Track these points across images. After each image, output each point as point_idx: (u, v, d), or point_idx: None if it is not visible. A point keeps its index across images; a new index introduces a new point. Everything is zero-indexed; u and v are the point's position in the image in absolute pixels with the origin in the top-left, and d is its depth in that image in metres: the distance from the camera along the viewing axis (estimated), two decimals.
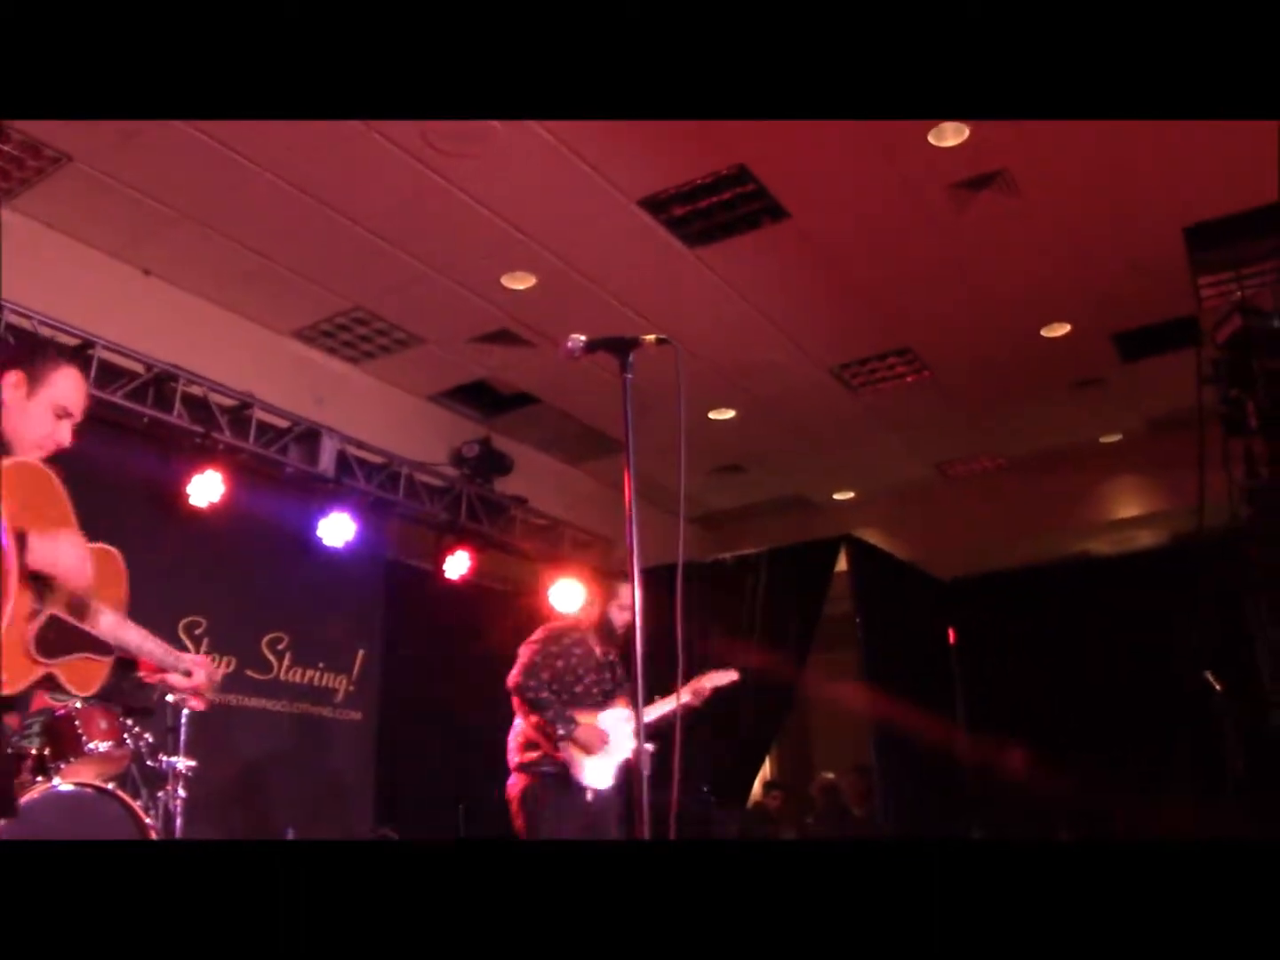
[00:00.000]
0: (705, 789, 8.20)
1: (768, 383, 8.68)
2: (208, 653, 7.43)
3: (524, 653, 5.56)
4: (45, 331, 6.45)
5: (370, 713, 8.43)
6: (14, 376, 2.75)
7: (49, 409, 2.81)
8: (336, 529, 7.87)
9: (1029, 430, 9.77)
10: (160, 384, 7.09)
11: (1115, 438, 10.16)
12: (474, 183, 6.28)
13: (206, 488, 7.14)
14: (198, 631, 7.36)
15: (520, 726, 5.55)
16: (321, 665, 8.18)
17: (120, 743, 5.34)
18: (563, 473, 10.15)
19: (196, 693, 3.42)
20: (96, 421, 6.70)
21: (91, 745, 5.19)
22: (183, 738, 5.87)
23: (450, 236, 6.78)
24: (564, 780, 5.37)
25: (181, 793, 5.72)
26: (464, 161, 6.06)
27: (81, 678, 2.78)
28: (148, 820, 4.98)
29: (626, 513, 2.54)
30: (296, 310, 7.69)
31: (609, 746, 5.49)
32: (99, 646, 2.86)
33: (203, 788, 5.93)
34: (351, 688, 8.37)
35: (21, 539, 2.52)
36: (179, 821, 5.68)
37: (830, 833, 10.32)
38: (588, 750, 5.41)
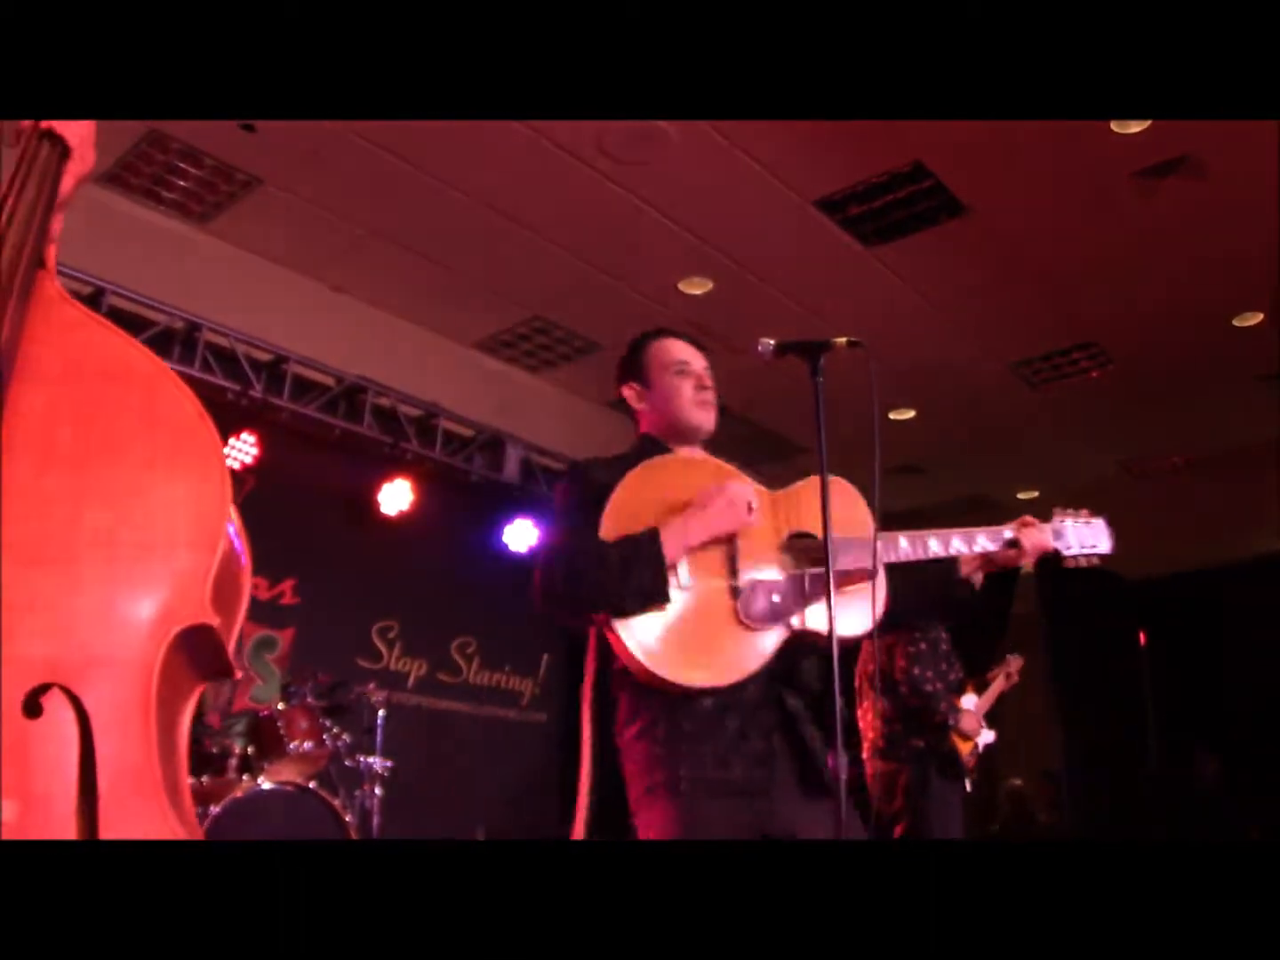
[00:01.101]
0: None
1: (947, 381, 8.55)
2: (401, 656, 7.65)
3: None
4: (241, 348, 6.72)
5: (555, 715, 8.57)
6: None
7: None
8: (521, 535, 8.03)
9: (1218, 425, 9.40)
10: (351, 396, 7.34)
11: None
12: (648, 188, 6.34)
13: (396, 496, 7.36)
14: (390, 635, 7.59)
15: (881, 711, 5.38)
16: (508, 668, 8.35)
17: (320, 743, 5.54)
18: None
19: (1057, 559, 3.10)
20: (291, 434, 7.00)
21: (293, 745, 5.40)
22: (379, 738, 6.06)
23: (626, 243, 6.85)
24: (947, 767, 5.31)
25: (378, 791, 5.90)
26: (638, 168, 6.12)
27: (848, 618, 2.63)
28: (347, 819, 5.16)
29: (823, 517, 2.53)
30: (478, 321, 7.85)
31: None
32: (848, 578, 2.71)
33: (398, 787, 6.10)
34: (537, 690, 8.53)
35: None
36: (376, 820, 5.86)
37: (1017, 841, 10.12)
38: (968, 737, 5.42)
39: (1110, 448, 10.03)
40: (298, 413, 7.01)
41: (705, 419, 2.93)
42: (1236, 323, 7.74)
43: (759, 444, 9.42)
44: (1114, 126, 5.67)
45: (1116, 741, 9.79)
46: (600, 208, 6.47)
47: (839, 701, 2.37)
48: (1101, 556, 3.16)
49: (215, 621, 1.47)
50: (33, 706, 1.37)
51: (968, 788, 5.39)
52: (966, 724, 5.35)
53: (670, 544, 2.51)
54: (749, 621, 2.57)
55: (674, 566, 2.52)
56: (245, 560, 1.68)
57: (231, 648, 1.61)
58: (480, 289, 7.43)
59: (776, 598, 2.60)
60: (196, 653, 1.54)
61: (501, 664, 8.29)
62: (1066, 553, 3.11)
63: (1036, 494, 10.97)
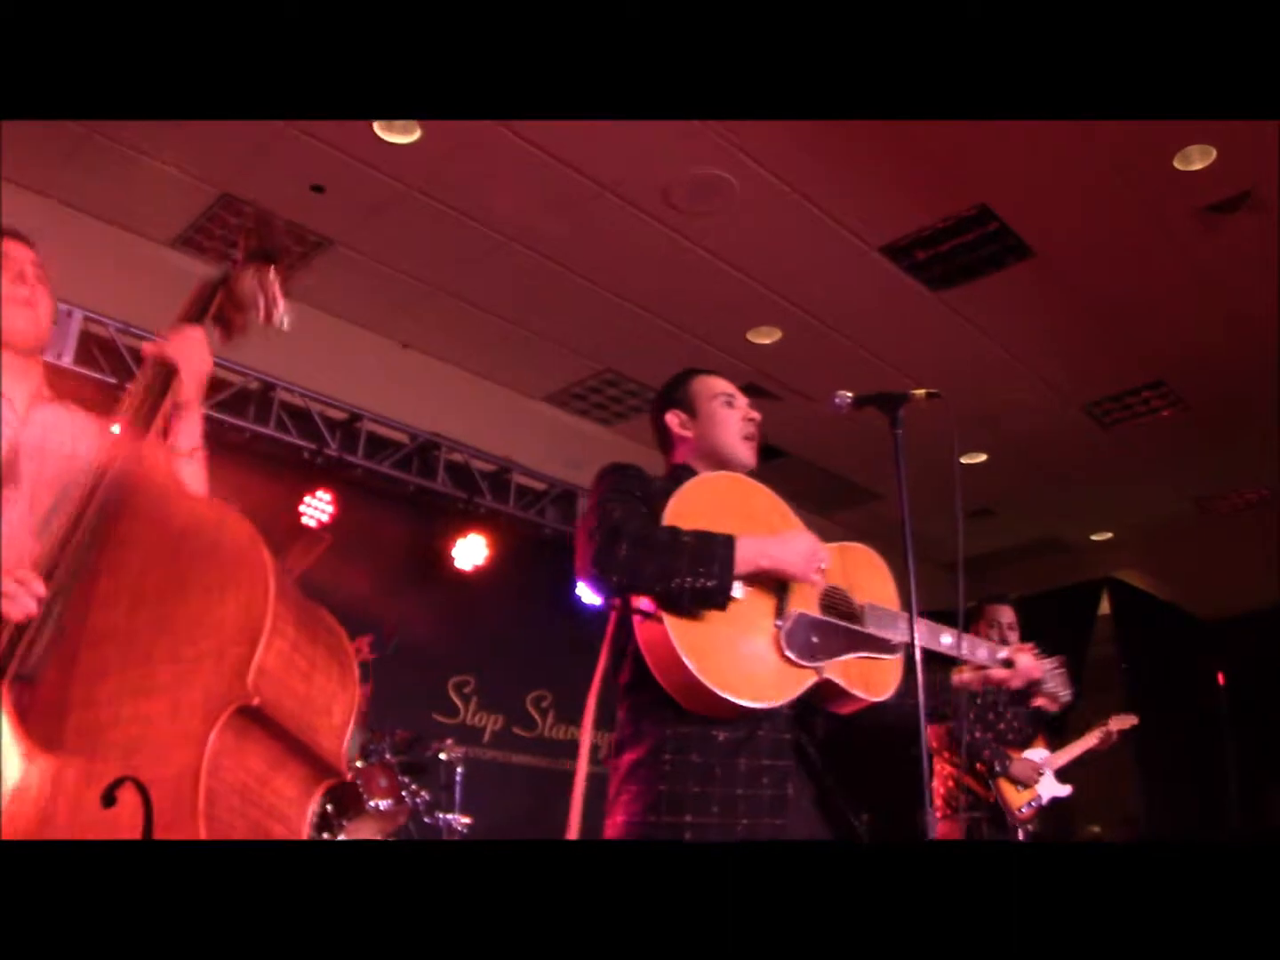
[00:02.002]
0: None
1: (1018, 424, 8.50)
2: (477, 711, 7.67)
3: None
4: (316, 407, 6.82)
5: None
6: None
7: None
8: None
9: None
10: (424, 452, 7.41)
11: None
12: (715, 239, 6.39)
13: (470, 551, 7.41)
14: (467, 690, 7.62)
15: (945, 778, 5.38)
16: None
17: (399, 800, 5.56)
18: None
19: (1035, 686, 3.17)
20: (365, 491, 7.09)
21: (373, 803, 5.42)
22: (458, 795, 6.07)
23: (695, 294, 6.90)
24: (998, 819, 5.22)
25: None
26: (704, 219, 6.18)
27: (866, 679, 2.68)
28: None
29: (908, 566, 2.55)
30: (548, 375, 7.93)
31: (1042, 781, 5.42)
32: (876, 644, 2.75)
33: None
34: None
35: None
36: None
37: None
38: (1024, 785, 5.31)
39: (1184, 486, 9.89)
40: (372, 470, 7.09)
41: (749, 453, 2.94)
42: None
43: (830, 490, 9.41)
44: (1176, 163, 5.66)
45: (1196, 784, 9.61)
46: (668, 260, 6.53)
47: (926, 759, 2.37)
48: (1062, 703, 3.36)
49: (255, 700, 1.70)
50: (109, 799, 1.67)
51: (1020, 837, 5.25)
52: (1019, 770, 5.26)
53: (743, 557, 2.50)
54: (789, 653, 2.57)
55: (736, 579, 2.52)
56: (335, 669, 1.95)
57: (326, 743, 1.88)
58: (550, 343, 7.51)
59: (815, 638, 2.61)
60: (277, 741, 1.81)
61: (577, 718, 8.24)
62: (1044, 690, 3.23)
63: (1110, 535, 10.85)
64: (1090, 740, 5.77)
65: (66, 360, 5.71)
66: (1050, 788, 5.45)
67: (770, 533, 2.69)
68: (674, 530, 2.51)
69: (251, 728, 1.74)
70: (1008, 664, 3.06)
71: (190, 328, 2.28)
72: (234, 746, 1.72)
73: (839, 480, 9.22)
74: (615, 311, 7.06)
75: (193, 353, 2.24)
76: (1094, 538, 10.95)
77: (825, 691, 2.66)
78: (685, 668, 2.43)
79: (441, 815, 5.94)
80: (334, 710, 1.90)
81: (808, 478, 9.24)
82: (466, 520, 7.50)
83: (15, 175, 5.68)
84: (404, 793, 5.61)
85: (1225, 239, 6.32)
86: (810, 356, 7.42)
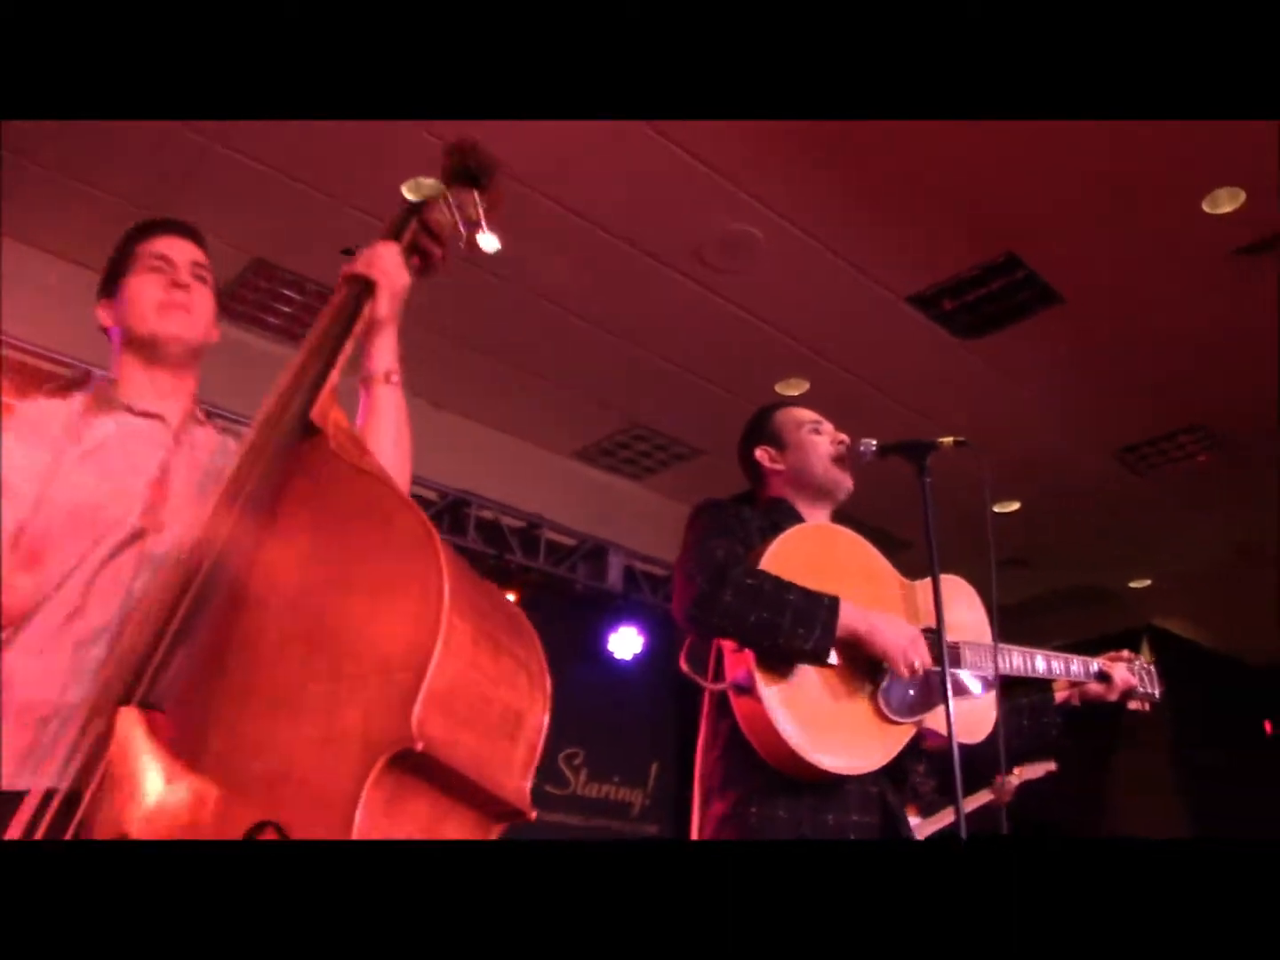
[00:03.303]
0: None
1: (1051, 471, 8.44)
2: None
3: None
4: None
5: (666, 825, 8.45)
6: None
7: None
8: (626, 642, 8.01)
9: None
10: (455, 510, 7.40)
11: None
12: (742, 293, 6.39)
13: None
14: None
15: None
16: (617, 779, 8.26)
17: None
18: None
19: (1129, 694, 3.18)
20: None
21: None
22: None
23: (723, 348, 6.90)
24: None
25: None
26: (733, 274, 6.19)
27: (964, 721, 2.60)
28: None
29: (937, 614, 2.52)
30: (577, 431, 7.93)
31: None
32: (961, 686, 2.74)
33: None
34: (647, 801, 8.42)
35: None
36: None
37: None
38: None
39: (1225, 532, 9.77)
40: None
41: (845, 476, 2.94)
42: None
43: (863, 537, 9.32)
44: (1205, 207, 5.64)
45: (1243, 833, 9.44)
46: (695, 314, 6.54)
47: (960, 804, 2.34)
48: (1153, 703, 3.28)
49: (419, 746, 1.40)
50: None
51: None
52: None
53: (844, 624, 2.49)
54: (888, 713, 2.54)
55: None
56: (523, 680, 1.67)
57: (507, 780, 1.59)
58: (578, 399, 7.51)
59: (913, 691, 2.58)
60: (445, 786, 1.52)
61: (610, 775, 8.21)
62: (1136, 694, 3.20)
63: (1149, 582, 10.72)
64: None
65: None
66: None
67: (866, 585, 2.71)
68: (780, 583, 2.50)
69: (416, 772, 1.46)
70: (1103, 677, 3.09)
71: (384, 244, 2.18)
72: (393, 793, 1.44)
73: (870, 529, 9.14)
74: (644, 367, 7.06)
75: (388, 266, 2.13)
76: (1132, 585, 10.82)
77: (919, 739, 2.65)
78: (785, 741, 2.43)
79: None
80: (519, 736, 1.62)
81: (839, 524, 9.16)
82: (497, 577, 7.47)
83: (38, 239, 5.75)
84: None
85: (1254, 281, 6.28)
86: (839, 407, 7.27)
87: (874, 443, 2.84)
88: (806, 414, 3.06)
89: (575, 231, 5.79)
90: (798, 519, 2.88)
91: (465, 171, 2.23)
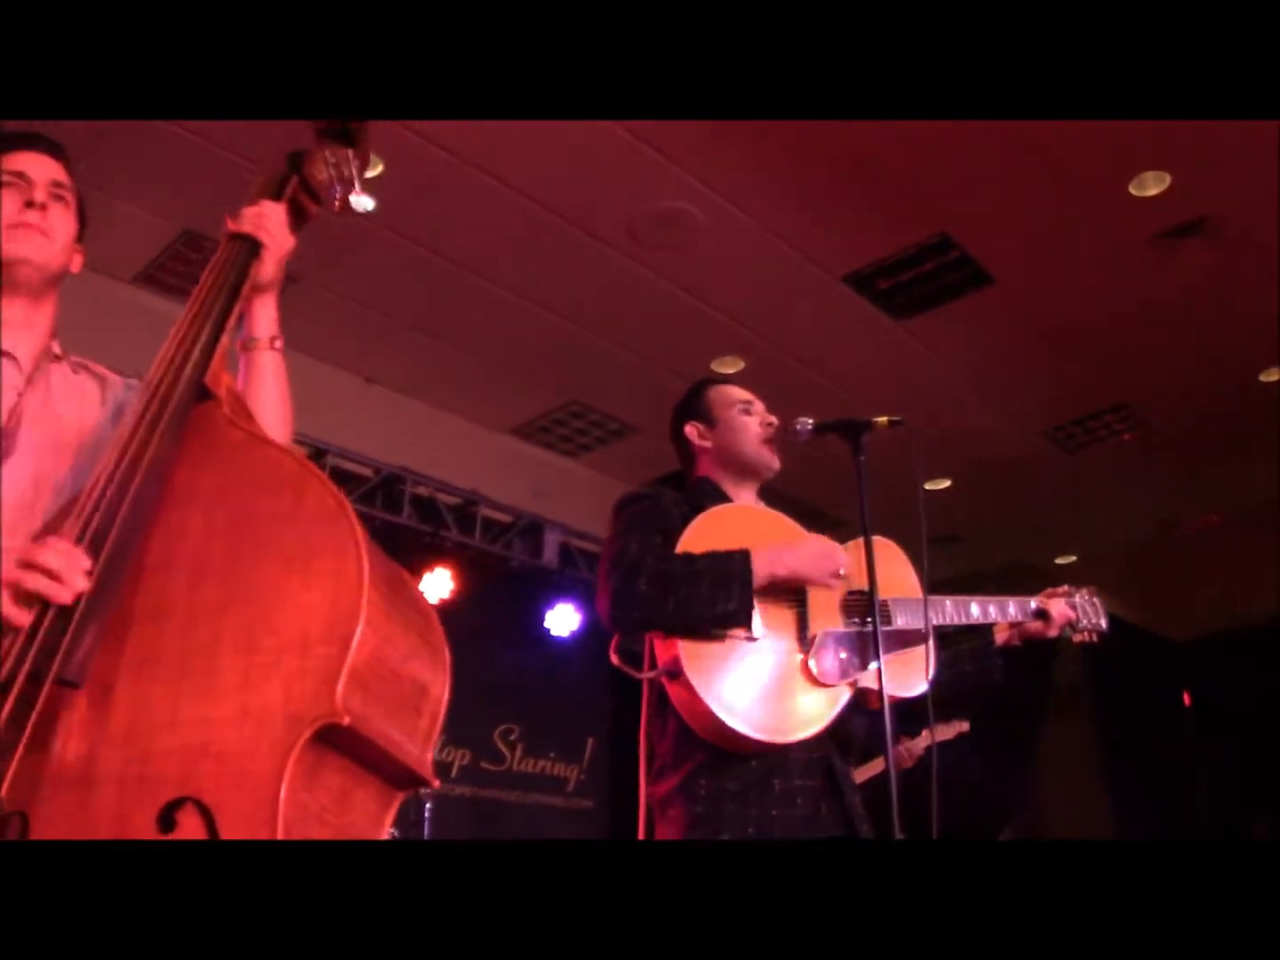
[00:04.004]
0: None
1: (981, 449, 8.54)
2: (444, 746, 7.62)
3: None
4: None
5: (601, 801, 8.49)
6: None
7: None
8: (563, 619, 8.03)
9: (1256, 481, 9.32)
10: (389, 486, 7.37)
11: None
12: (679, 271, 6.41)
13: (437, 584, 7.37)
14: None
15: None
16: (553, 755, 8.29)
17: None
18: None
19: (1073, 628, 3.15)
20: None
21: None
22: (426, 831, 6.02)
23: (659, 326, 6.91)
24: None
25: None
26: (668, 251, 6.20)
27: (899, 677, 2.60)
28: None
29: (869, 576, 2.55)
30: (513, 408, 7.92)
31: None
32: (904, 638, 2.73)
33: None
34: (583, 776, 8.45)
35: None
36: None
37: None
38: None
39: (1148, 509, 9.95)
40: None
41: (773, 457, 2.96)
42: (1263, 378, 7.73)
43: (795, 518, 9.38)
44: (1132, 189, 5.72)
45: (1165, 805, 9.64)
46: (632, 292, 6.55)
47: (891, 765, 2.37)
48: (1100, 634, 3.24)
49: (345, 720, 1.39)
50: (167, 821, 1.38)
51: None
52: None
53: (759, 569, 2.50)
54: (821, 678, 2.57)
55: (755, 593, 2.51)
56: (427, 658, 1.66)
57: (413, 750, 1.58)
58: (514, 376, 7.50)
59: (844, 654, 2.61)
60: (357, 757, 1.52)
61: (546, 751, 8.24)
62: (1079, 626, 3.18)
63: (1075, 558, 10.89)
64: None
65: None
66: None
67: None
68: (689, 557, 2.52)
69: (335, 745, 1.45)
70: (1041, 614, 3.08)
71: (269, 203, 2.01)
72: (313, 766, 1.43)
73: (804, 507, 9.20)
74: (580, 344, 7.06)
75: (275, 229, 1.98)
76: (1059, 561, 10.97)
77: (861, 698, 2.66)
78: (719, 721, 2.45)
79: None
80: (424, 708, 1.62)
81: (772, 504, 9.20)
82: (432, 554, 7.47)
83: None
84: None
85: (1182, 264, 6.39)
86: (774, 386, 7.31)
87: (810, 422, 2.86)
88: (739, 393, 3.07)
89: (509, 205, 5.77)
90: (722, 499, 2.90)
91: (340, 130, 2.11)
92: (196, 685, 1.44)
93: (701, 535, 2.63)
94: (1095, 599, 3.25)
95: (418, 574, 7.38)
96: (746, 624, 2.49)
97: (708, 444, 3.00)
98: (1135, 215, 5.95)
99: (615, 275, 6.37)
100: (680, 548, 2.58)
